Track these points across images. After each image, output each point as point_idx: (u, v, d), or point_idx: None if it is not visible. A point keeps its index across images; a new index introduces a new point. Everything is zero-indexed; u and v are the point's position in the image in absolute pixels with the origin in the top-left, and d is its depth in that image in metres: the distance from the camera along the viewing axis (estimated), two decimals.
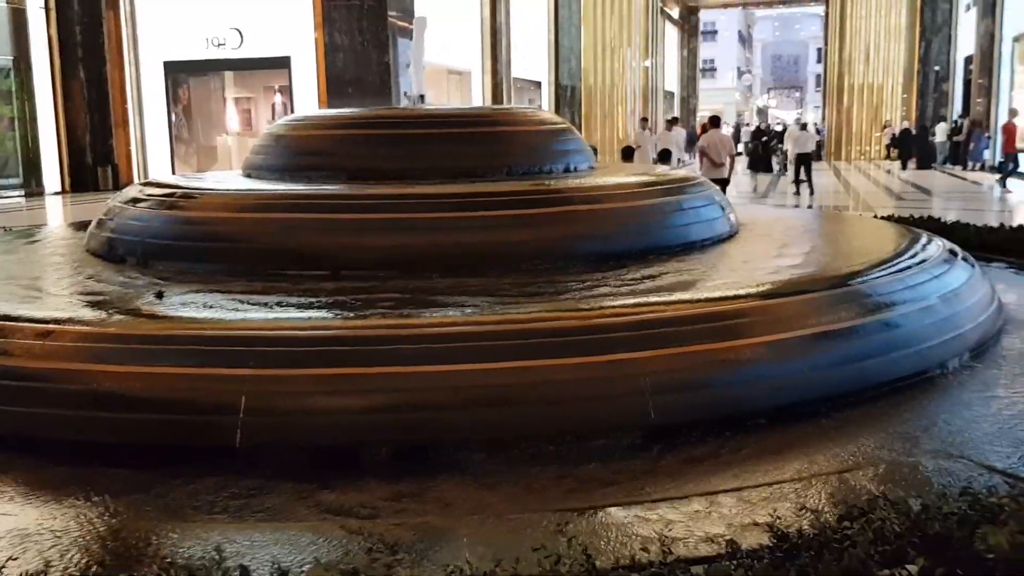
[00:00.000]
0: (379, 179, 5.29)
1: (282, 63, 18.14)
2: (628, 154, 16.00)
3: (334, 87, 17.04)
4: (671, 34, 41.65)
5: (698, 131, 21.87)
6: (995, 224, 7.58)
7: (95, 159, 18.13)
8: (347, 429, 3.20)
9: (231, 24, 18.11)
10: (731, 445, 3.19)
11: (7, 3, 16.88)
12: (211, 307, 3.91)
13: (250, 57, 18.19)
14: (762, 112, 70.13)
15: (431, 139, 5.70)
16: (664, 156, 15.56)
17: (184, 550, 2.46)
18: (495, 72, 23.24)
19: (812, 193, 17.00)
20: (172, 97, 18.97)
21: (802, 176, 17.50)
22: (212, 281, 4.43)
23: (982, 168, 22.08)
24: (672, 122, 21.02)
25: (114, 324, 3.61)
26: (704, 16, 49.37)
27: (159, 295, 4.10)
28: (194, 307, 3.92)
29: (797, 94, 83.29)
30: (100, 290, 4.36)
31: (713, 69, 67.75)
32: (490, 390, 3.26)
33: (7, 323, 3.55)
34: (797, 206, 15.00)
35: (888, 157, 27.88)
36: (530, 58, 25.87)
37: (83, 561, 2.41)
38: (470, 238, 4.69)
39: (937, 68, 28.82)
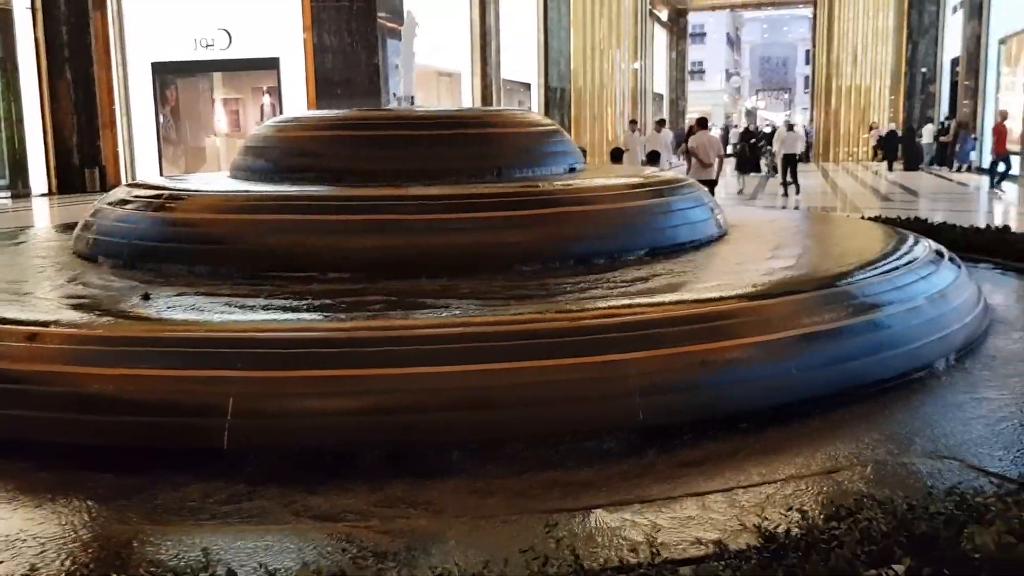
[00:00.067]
0: (368, 181, 5.28)
1: (271, 64, 18.10)
2: (617, 156, 16.05)
3: (323, 88, 17.02)
4: (660, 36, 41.75)
5: (686, 133, 21.92)
6: (981, 225, 7.63)
7: (82, 160, 18.04)
8: (336, 431, 3.18)
9: (219, 25, 18.05)
10: (721, 446, 3.20)
11: None
12: (198, 309, 3.88)
13: (238, 58, 18.14)
14: (751, 114, 70.46)
15: (420, 141, 5.69)
16: (653, 158, 15.60)
17: (170, 555, 2.45)
18: (485, 74, 23.25)
19: (798, 193, 17.09)
20: (160, 98, 18.89)
21: (789, 178, 17.59)
22: (199, 283, 4.42)
23: (968, 169, 22.21)
24: (661, 124, 21.08)
25: (100, 326, 3.59)
26: (692, 18, 49.57)
27: (146, 297, 4.07)
28: (181, 309, 3.89)
29: (785, 96, 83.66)
30: (86, 292, 4.33)
31: (702, 71, 68.07)
32: (479, 392, 3.25)
33: None
34: (785, 207, 15.07)
35: (875, 159, 28.03)
36: (520, 60, 25.90)
37: (68, 566, 2.39)
38: (459, 240, 4.68)
39: (924, 70, 28.99)
